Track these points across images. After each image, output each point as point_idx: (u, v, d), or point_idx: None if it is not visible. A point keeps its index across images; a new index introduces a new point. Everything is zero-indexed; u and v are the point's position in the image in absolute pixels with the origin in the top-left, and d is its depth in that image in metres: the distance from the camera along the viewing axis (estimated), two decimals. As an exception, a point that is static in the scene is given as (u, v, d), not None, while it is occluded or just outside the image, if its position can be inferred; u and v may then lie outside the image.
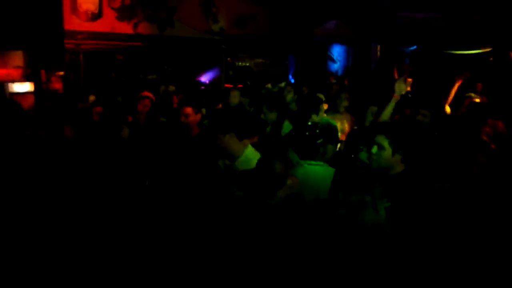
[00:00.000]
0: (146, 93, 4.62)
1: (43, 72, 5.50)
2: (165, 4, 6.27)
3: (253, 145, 2.86)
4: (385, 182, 2.43)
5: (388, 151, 2.41)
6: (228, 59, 9.27)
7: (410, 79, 3.15)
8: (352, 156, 2.97)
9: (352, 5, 8.68)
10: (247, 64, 10.93)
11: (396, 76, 3.40)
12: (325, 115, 4.17)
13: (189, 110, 3.71)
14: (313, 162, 2.87)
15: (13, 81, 4.64)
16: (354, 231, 2.21)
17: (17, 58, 4.67)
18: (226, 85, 7.56)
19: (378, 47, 11.57)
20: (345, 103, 4.72)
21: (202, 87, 7.58)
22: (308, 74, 8.35)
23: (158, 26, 6.23)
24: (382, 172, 2.46)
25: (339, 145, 3.22)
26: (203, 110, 4.40)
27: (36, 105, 4.83)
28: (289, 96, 5.16)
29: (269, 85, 7.49)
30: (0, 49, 4.51)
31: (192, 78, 8.87)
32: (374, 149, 2.44)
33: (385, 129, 2.50)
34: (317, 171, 2.80)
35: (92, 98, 5.24)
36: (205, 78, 9.21)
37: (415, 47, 11.53)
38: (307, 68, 8.93)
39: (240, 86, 7.44)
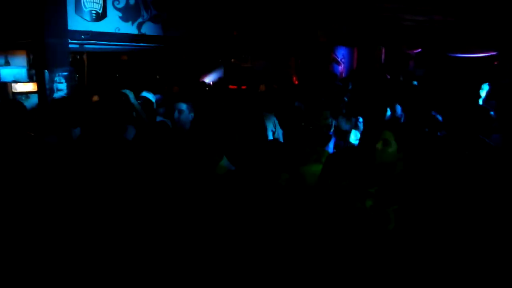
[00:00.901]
0: None
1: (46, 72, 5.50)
2: (169, 4, 6.28)
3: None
4: (387, 183, 2.44)
5: (393, 147, 2.47)
6: (232, 60, 9.25)
7: None
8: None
9: (357, 8, 8.66)
10: (251, 66, 10.89)
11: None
12: None
13: (182, 106, 3.71)
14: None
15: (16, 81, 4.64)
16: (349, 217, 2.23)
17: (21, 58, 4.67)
18: (230, 86, 7.55)
19: (383, 49, 11.55)
20: None
21: (206, 88, 7.58)
22: (313, 76, 8.33)
23: (162, 26, 6.23)
24: (383, 168, 2.50)
25: None
26: None
27: (40, 106, 4.82)
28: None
29: (262, 86, 7.44)
30: (4, 49, 4.51)
31: (196, 79, 8.86)
32: (379, 144, 2.51)
33: (393, 127, 2.57)
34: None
35: (95, 98, 5.24)
36: (209, 79, 9.20)
37: (419, 49, 11.50)
38: (311, 70, 8.92)
39: (243, 87, 7.42)
